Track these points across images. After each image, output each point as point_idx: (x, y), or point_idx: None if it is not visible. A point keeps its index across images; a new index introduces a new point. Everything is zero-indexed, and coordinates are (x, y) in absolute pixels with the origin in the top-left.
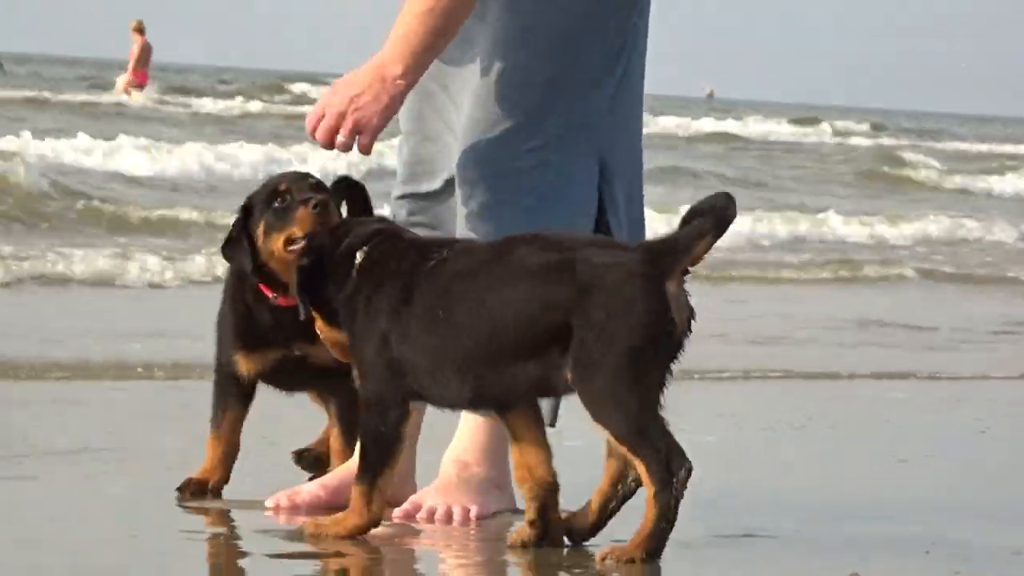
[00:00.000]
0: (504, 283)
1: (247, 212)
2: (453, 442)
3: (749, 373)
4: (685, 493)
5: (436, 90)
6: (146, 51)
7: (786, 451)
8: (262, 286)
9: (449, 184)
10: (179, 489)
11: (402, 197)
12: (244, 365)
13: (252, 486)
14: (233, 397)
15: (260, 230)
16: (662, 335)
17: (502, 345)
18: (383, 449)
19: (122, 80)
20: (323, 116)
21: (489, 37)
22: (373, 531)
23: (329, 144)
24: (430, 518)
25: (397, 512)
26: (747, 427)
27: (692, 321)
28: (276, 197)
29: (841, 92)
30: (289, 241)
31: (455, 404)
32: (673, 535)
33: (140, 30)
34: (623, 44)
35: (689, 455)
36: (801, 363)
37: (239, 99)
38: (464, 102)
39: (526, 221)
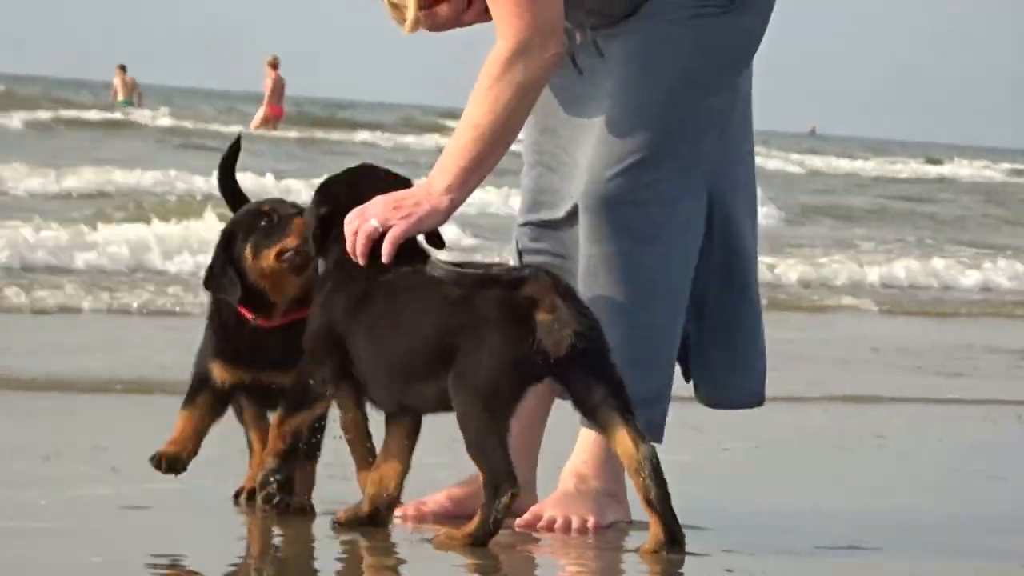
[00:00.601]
0: (424, 308)
1: (230, 238)
2: (572, 455)
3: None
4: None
5: (558, 124)
6: (279, 85)
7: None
8: (242, 308)
9: (572, 214)
10: (152, 460)
11: (525, 224)
12: (220, 374)
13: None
14: (206, 391)
15: (248, 251)
16: (523, 363)
17: (414, 363)
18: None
19: (259, 115)
20: (363, 213)
21: (612, 75)
22: (497, 539)
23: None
24: (550, 528)
25: (518, 522)
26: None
27: (575, 340)
28: (261, 217)
29: (945, 129)
30: (281, 253)
31: (382, 407)
32: (776, 543)
33: (274, 65)
34: (738, 83)
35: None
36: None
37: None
38: (587, 136)
39: (640, 251)
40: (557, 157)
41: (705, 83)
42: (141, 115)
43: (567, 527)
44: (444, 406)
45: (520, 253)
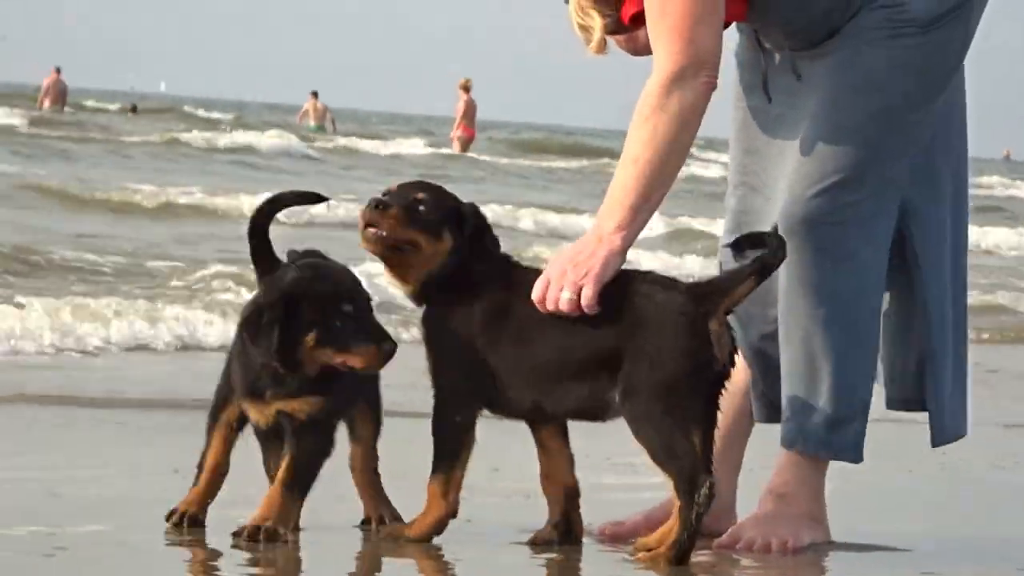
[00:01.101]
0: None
1: (295, 309)
2: (772, 476)
3: None
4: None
5: (760, 145)
6: (471, 108)
7: None
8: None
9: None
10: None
11: (728, 245)
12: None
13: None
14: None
15: (312, 341)
16: (701, 368)
17: (568, 362)
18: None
19: (457, 139)
20: (548, 286)
21: (811, 96)
22: (693, 559)
23: (554, 304)
24: (749, 549)
25: (717, 543)
26: None
27: (734, 356)
28: (337, 312)
29: None
30: (344, 364)
31: (512, 411)
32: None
33: (466, 88)
34: (943, 99)
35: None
36: None
37: None
38: (787, 157)
39: (837, 271)
40: (760, 178)
41: (904, 103)
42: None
43: (767, 548)
44: (584, 411)
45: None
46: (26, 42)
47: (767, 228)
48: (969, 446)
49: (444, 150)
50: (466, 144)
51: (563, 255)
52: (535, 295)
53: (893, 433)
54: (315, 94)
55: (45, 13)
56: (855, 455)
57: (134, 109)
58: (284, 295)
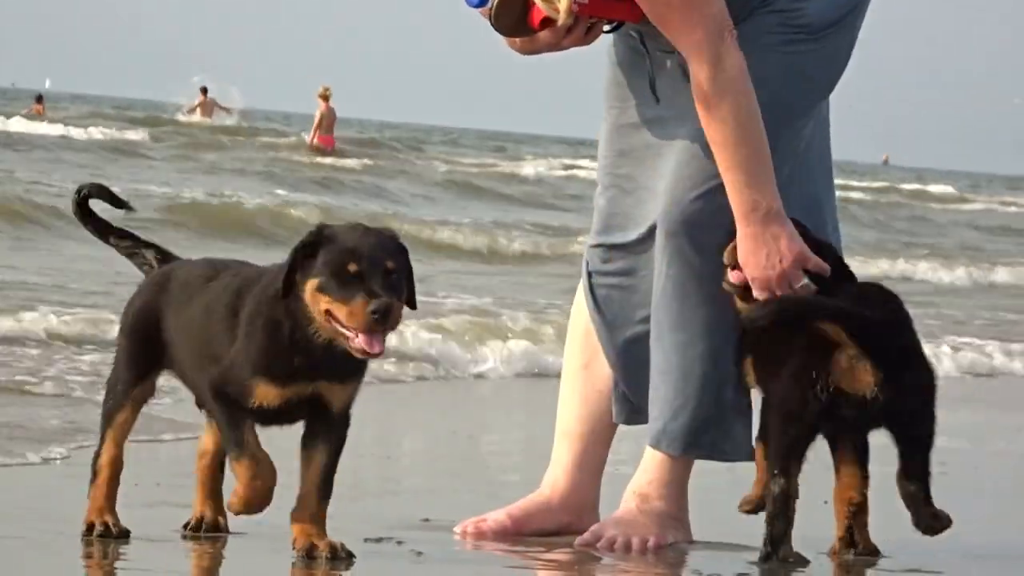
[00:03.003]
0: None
1: (308, 253)
2: (635, 475)
3: None
4: None
5: (636, 147)
6: (329, 117)
7: None
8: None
9: (646, 236)
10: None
11: (597, 246)
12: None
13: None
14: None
15: (310, 286)
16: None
17: None
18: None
19: (312, 146)
20: (772, 295)
21: (679, 107)
22: (557, 557)
23: None
24: (610, 547)
25: (579, 541)
26: None
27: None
28: (344, 269)
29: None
30: (334, 318)
31: None
32: None
33: (325, 97)
34: (818, 108)
35: None
36: None
37: None
38: (666, 159)
39: (717, 274)
40: (633, 180)
41: (790, 110)
42: None
43: (627, 547)
44: None
45: (590, 275)
46: None
47: (638, 231)
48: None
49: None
50: (325, 153)
51: (756, 256)
52: (771, 317)
53: None
54: (204, 90)
55: None
56: (724, 454)
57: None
58: (313, 238)
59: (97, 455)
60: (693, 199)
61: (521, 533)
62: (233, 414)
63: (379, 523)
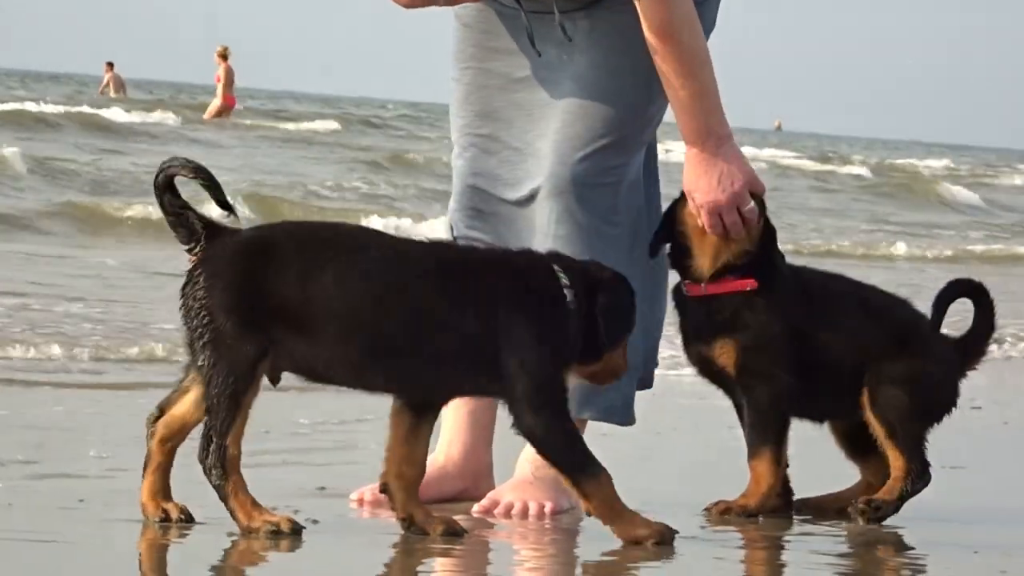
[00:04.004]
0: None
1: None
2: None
3: None
4: None
5: (500, 107)
6: (230, 75)
7: None
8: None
9: (524, 199)
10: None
11: (461, 209)
12: None
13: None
14: None
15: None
16: None
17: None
18: None
19: (213, 105)
20: (717, 218)
21: (577, 59)
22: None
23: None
24: (507, 514)
25: (476, 508)
26: None
27: None
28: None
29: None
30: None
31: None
32: None
33: (224, 56)
34: None
35: None
36: None
37: None
38: (545, 120)
39: (610, 232)
40: (497, 140)
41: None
42: None
43: (524, 512)
44: None
45: (455, 240)
46: None
47: (514, 194)
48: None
49: (209, 119)
50: (228, 112)
51: (706, 180)
52: (716, 231)
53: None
54: (111, 64)
55: None
56: (623, 417)
57: None
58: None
59: (223, 448)
60: (580, 159)
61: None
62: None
63: (276, 492)
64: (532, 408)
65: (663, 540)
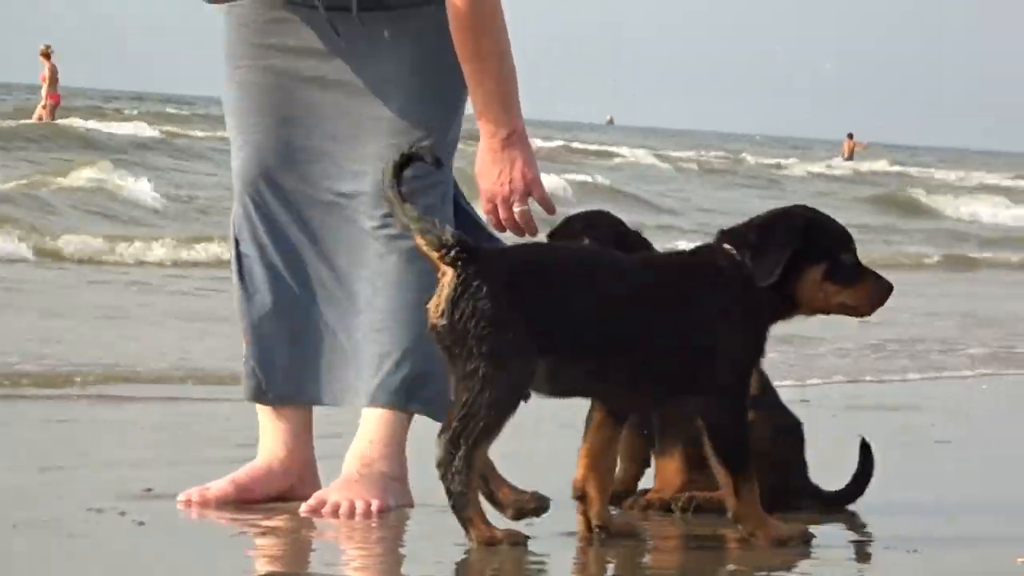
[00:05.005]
0: None
1: (810, 240)
2: (355, 439)
3: None
4: None
5: (286, 105)
6: (54, 73)
7: None
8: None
9: (328, 201)
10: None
11: (247, 218)
12: None
13: None
14: None
15: (819, 276)
16: None
17: None
18: None
19: (40, 106)
20: (493, 207)
21: (388, 61)
22: (279, 524)
23: (515, 226)
24: (334, 513)
25: (303, 508)
26: None
27: None
28: (849, 244)
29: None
30: (845, 305)
31: None
32: None
33: (47, 54)
34: None
35: None
36: None
37: None
38: (337, 121)
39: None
40: (282, 138)
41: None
42: None
43: (351, 512)
44: None
45: (237, 241)
46: None
47: (297, 194)
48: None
49: (38, 121)
50: (54, 111)
51: (489, 170)
52: (492, 222)
53: None
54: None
55: None
56: (438, 410)
57: None
58: (800, 225)
59: (472, 457)
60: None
61: (246, 500)
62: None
63: (101, 494)
64: (729, 405)
65: (807, 540)
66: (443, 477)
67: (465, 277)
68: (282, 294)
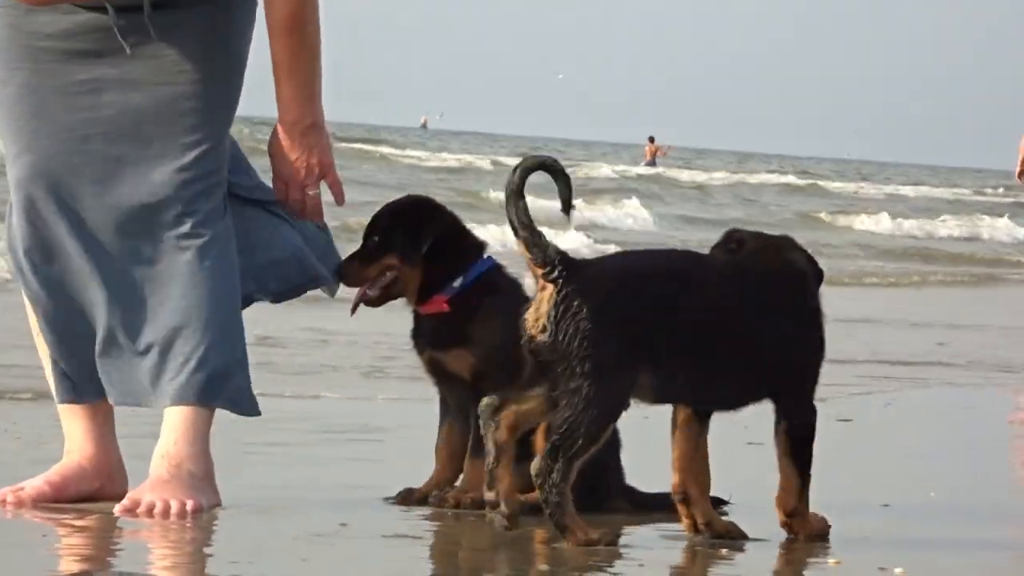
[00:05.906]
0: None
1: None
2: (160, 439)
3: None
4: None
5: (62, 109)
6: None
7: None
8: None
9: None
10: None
11: (29, 238)
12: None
13: None
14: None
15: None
16: None
17: None
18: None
19: None
20: (283, 187)
21: (174, 58)
22: (91, 524)
23: (303, 208)
24: (149, 513)
25: (117, 508)
26: None
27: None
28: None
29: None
30: None
31: None
32: None
33: None
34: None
35: None
36: None
37: None
38: (151, 119)
39: (229, 234)
40: (75, 147)
41: (241, 68)
42: None
43: (166, 512)
44: None
45: (21, 250)
46: None
47: (87, 200)
48: None
49: None
50: None
51: (285, 159)
52: (280, 202)
53: None
54: (651, 139)
55: None
56: (251, 406)
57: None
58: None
59: (571, 470)
60: (189, 165)
61: (60, 500)
62: None
63: None
64: (808, 404)
65: (825, 536)
66: (540, 487)
67: (566, 295)
68: (76, 298)
